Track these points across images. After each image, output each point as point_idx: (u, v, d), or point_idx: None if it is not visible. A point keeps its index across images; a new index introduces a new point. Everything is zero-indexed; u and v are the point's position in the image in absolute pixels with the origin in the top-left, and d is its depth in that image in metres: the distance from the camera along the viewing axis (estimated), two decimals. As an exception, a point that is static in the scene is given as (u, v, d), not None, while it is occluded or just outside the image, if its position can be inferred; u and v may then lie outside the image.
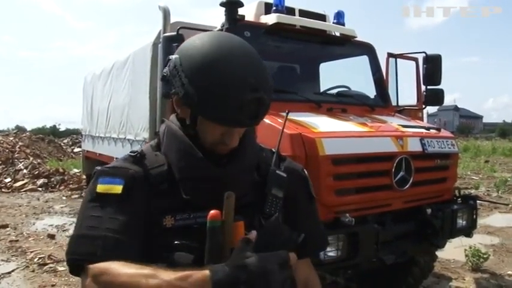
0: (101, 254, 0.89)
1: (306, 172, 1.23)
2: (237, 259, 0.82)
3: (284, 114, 1.34)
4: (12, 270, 4.67)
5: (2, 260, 5.02)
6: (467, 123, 79.05)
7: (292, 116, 2.92)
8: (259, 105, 0.94)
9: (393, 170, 2.86)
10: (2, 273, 4.56)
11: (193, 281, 0.80)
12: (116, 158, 1.12)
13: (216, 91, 0.91)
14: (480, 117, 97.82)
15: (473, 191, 9.26)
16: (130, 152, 1.07)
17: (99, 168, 1.05)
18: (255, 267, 0.80)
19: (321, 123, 2.87)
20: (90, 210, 0.97)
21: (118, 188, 0.97)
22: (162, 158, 1.04)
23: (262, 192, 1.05)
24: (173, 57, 0.98)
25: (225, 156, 1.03)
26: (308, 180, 1.22)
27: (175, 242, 0.95)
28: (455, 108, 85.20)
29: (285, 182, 1.09)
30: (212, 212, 0.88)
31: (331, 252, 2.53)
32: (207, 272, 0.81)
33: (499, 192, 9.74)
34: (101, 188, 0.98)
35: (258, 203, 1.04)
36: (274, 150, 1.16)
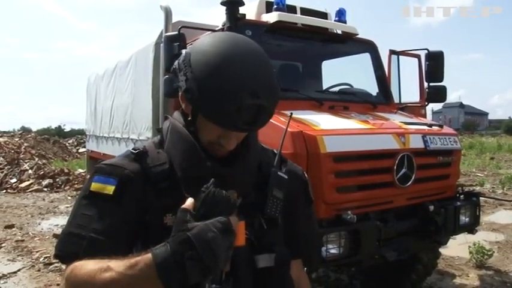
0: (83, 255, 0.91)
1: (306, 175, 1.24)
2: (178, 233, 0.81)
3: (286, 112, 1.35)
4: (18, 270, 4.72)
5: (8, 260, 5.07)
6: (472, 120, 78.60)
7: (294, 113, 2.91)
8: (258, 112, 0.94)
9: (395, 167, 2.86)
10: (8, 273, 4.60)
11: (140, 268, 0.80)
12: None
13: (216, 91, 0.91)
14: (485, 114, 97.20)
15: (478, 188, 9.23)
16: (133, 149, 1.07)
17: (98, 164, 1.06)
18: (197, 239, 0.78)
19: (323, 121, 2.87)
20: (82, 207, 1.00)
21: (110, 189, 0.99)
22: (164, 156, 1.05)
23: (262, 193, 1.05)
24: (185, 51, 0.99)
25: (228, 156, 1.03)
26: (308, 184, 1.23)
27: None
28: (461, 105, 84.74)
29: (286, 184, 1.09)
30: None
31: (333, 249, 2.54)
32: (150, 255, 0.80)
33: (504, 189, 9.71)
34: (94, 186, 1.00)
35: (259, 203, 1.04)
36: (276, 152, 1.16)
